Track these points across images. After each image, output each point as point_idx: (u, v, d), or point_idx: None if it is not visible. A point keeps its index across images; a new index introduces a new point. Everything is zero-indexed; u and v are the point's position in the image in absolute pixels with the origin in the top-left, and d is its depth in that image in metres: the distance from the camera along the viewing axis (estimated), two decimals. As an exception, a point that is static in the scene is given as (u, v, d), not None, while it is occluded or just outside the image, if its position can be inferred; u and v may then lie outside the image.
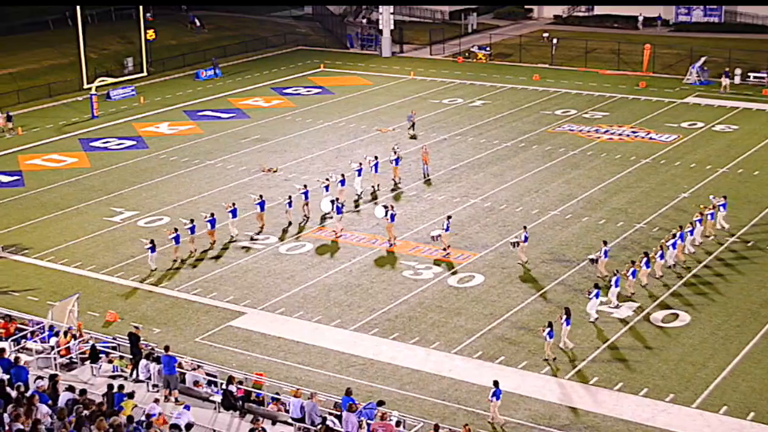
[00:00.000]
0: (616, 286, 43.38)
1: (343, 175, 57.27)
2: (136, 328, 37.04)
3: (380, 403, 32.21)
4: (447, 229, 49.68)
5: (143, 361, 35.42)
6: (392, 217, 50.75)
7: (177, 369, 34.36)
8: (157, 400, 31.16)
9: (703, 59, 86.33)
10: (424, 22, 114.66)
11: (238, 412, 32.63)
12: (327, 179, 56.18)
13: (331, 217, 53.54)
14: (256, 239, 52.06)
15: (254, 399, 33.81)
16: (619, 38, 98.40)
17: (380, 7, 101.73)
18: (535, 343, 40.27)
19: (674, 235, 47.46)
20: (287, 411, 32.61)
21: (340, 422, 30.74)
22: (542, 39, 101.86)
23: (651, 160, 63.70)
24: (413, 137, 69.28)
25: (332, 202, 53.09)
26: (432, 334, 41.50)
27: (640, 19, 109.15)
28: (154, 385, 34.68)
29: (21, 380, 30.79)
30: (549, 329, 38.84)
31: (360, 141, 69.83)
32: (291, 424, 31.90)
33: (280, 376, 37.98)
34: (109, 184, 61.84)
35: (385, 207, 52.01)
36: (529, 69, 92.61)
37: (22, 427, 25.94)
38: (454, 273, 47.13)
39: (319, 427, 30.65)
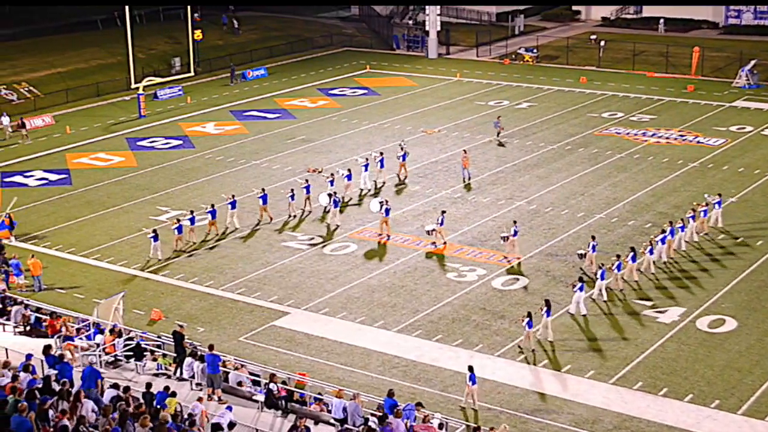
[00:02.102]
0: (602, 279, 44.06)
1: (349, 170, 58.59)
2: (181, 326, 37.20)
3: (418, 405, 32.16)
4: (441, 223, 50.73)
5: (187, 360, 35.57)
6: (387, 211, 52.06)
7: (221, 368, 34.47)
8: (200, 399, 31.23)
9: (752, 62, 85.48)
10: (470, 23, 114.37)
11: (280, 412, 32.66)
12: (332, 174, 57.69)
13: (328, 210, 54.57)
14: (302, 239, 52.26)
15: (297, 399, 33.85)
16: (668, 41, 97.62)
17: (427, 8, 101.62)
18: (579, 347, 40.05)
19: (663, 231, 48.25)
20: (329, 411, 32.62)
21: (382, 424, 30.65)
22: (590, 41, 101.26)
23: (698, 164, 63.12)
24: (501, 144, 68.52)
25: (329, 195, 54.35)
26: (475, 336, 41.36)
27: (661, 21, 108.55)
28: (198, 384, 34.81)
29: (66, 377, 31.01)
30: (528, 319, 39.62)
31: (405, 142, 69.69)
32: (333, 425, 31.89)
33: (322, 377, 38.00)
34: (155, 183, 62.24)
35: (380, 201, 53.04)
36: (576, 71, 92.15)
37: (66, 423, 26.11)
38: (504, 274, 47.00)
39: (361, 428, 30.61)
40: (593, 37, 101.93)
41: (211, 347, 34.74)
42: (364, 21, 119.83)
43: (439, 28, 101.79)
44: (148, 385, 31.37)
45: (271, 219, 54.73)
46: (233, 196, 54.58)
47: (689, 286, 45.36)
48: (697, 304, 43.61)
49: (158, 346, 38.15)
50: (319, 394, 34.85)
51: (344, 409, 31.58)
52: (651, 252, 46.92)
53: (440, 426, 31.96)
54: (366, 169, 59.44)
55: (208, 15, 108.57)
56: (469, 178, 60.75)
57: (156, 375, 35.82)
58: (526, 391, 36.96)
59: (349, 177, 57.99)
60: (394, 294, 45.67)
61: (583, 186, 59.47)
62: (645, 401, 36.21)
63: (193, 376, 35.08)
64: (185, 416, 29.16)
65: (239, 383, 35.20)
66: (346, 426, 31.36)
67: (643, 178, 60.66)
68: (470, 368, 35.75)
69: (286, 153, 67.75)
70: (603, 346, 40.11)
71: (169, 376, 35.67)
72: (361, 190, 59.37)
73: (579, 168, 62.99)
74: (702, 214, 51.05)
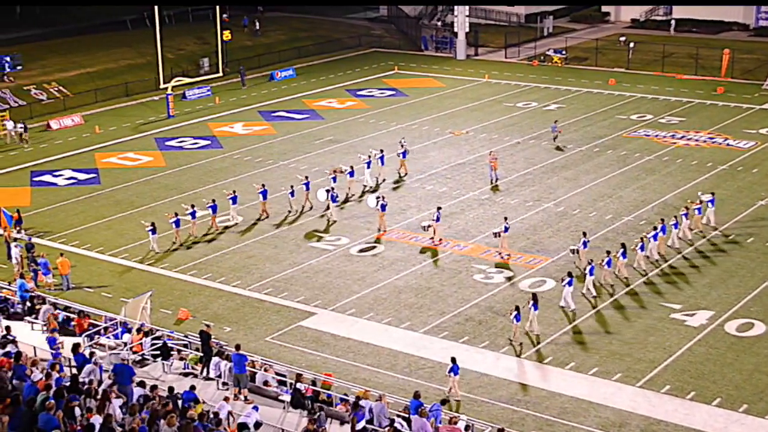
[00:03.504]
0: (591, 274, 44.63)
1: (352, 167, 59.46)
2: (207, 326, 37.29)
3: (443, 402, 32.12)
4: (437, 220, 51.57)
5: (214, 359, 35.65)
6: (383, 206, 52.98)
7: (247, 368, 34.53)
8: (226, 399, 31.29)
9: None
10: (499, 24, 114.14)
11: (306, 411, 32.66)
12: (335, 170, 58.66)
13: (328, 207, 55.39)
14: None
15: (323, 399, 33.86)
16: (698, 42, 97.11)
17: (456, 9, 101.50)
18: (607, 350, 39.89)
19: (655, 228, 48.75)
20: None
21: (408, 425, 30.61)
22: (619, 43, 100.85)
23: (728, 167, 62.73)
24: (559, 148, 67.84)
25: (327, 191, 55.17)
26: (502, 338, 41.24)
27: (672, 23, 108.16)
28: (224, 383, 34.88)
29: (93, 376, 31.18)
30: (516, 313, 40.12)
31: (433, 143, 69.69)
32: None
33: (348, 377, 38.01)
34: (183, 183, 62.44)
35: (377, 197, 54.07)
36: (605, 73, 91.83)
37: (93, 421, 26.21)
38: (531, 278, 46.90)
39: (386, 429, 30.56)
40: (623, 38, 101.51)
41: (237, 347, 34.81)
42: (393, 22, 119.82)
43: (467, 30, 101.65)
44: (171, 389, 31.46)
45: (268, 215, 55.81)
46: (234, 192, 55.71)
47: (717, 289, 45.16)
48: (725, 307, 43.35)
49: (185, 346, 38.26)
50: (345, 394, 34.86)
51: (370, 410, 31.56)
52: (642, 248, 47.41)
53: (466, 428, 31.89)
54: (368, 167, 60.56)
55: (237, 16, 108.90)
56: (497, 180, 60.61)
57: (183, 374, 35.91)
58: (552, 394, 36.84)
59: (351, 174, 59.04)
60: (421, 295, 45.62)
61: (611, 188, 59.23)
62: (672, 405, 36.01)
63: (219, 376, 35.17)
64: (211, 416, 29.20)
65: (265, 383, 35.25)
66: (371, 427, 31.31)
67: (671, 180, 60.36)
68: (453, 360, 36.34)
69: (314, 153, 67.82)
70: (630, 350, 39.93)
71: (195, 376, 35.76)
72: (364, 186, 60.32)
73: (607, 170, 62.73)
74: (696, 211, 51.69)
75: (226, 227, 54.48)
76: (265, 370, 36.23)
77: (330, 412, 32.77)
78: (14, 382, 28.65)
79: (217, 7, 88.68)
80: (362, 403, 31.84)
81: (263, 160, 66.59)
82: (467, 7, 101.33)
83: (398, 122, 76.02)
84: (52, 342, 35.49)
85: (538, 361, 39.34)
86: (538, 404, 36.28)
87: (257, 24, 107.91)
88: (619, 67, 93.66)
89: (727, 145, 67.71)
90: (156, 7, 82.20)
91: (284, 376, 36.02)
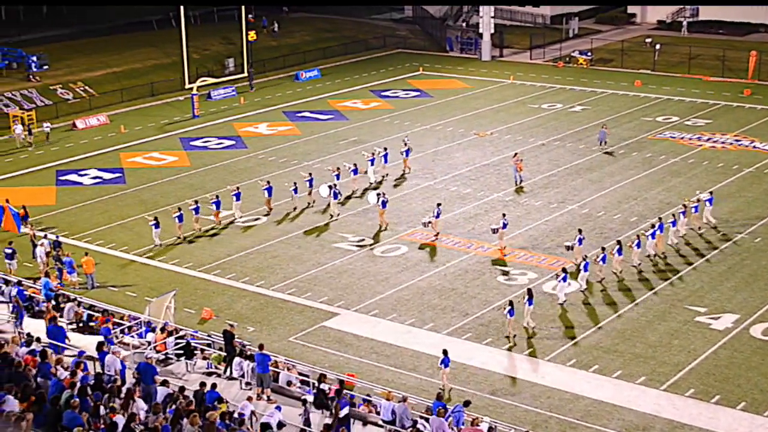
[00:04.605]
0: (585, 270, 45.37)
1: (355, 165, 60.46)
2: (231, 325, 37.30)
3: (466, 404, 32.05)
4: (437, 216, 52.37)
5: (237, 359, 35.69)
6: (384, 203, 53.81)
7: (270, 368, 34.55)
8: (249, 398, 31.32)
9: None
10: (524, 26, 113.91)
11: (329, 412, 32.64)
12: (338, 168, 59.33)
13: (329, 205, 56.22)
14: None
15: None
16: (724, 44, 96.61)
17: (481, 10, 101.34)
18: (631, 353, 39.73)
19: (653, 226, 49.19)
20: (378, 413, 32.59)
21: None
22: (645, 44, 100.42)
23: (754, 169, 62.39)
24: (609, 153, 67.08)
25: (330, 187, 55.96)
26: (525, 340, 41.14)
27: (684, 24, 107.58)
28: (247, 383, 34.92)
29: (114, 367, 31.36)
30: (510, 308, 40.59)
31: (457, 145, 69.62)
32: (381, 426, 31.85)
33: (371, 378, 38.00)
34: (208, 183, 62.57)
35: (378, 193, 54.75)
36: (630, 74, 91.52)
37: (117, 420, 26.26)
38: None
39: (409, 430, 30.54)
40: (648, 40, 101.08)
41: (261, 347, 34.82)
42: (418, 23, 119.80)
43: (492, 31, 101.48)
44: (202, 385, 31.52)
45: (271, 210, 56.81)
46: (238, 188, 56.53)
47: (743, 292, 44.92)
48: (751, 311, 43.10)
49: (208, 345, 38.34)
50: (368, 395, 34.85)
51: (393, 411, 31.53)
52: (638, 245, 47.74)
53: (489, 429, 31.83)
54: (372, 164, 61.27)
55: (259, 16, 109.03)
56: (521, 181, 60.44)
57: (206, 374, 35.97)
58: (575, 396, 36.73)
59: (355, 171, 60.00)
60: (445, 296, 45.56)
61: (636, 190, 59.00)
62: (697, 408, 35.82)
63: (243, 376, 35.20)
64: (234, 416, 29.23)
65: (288, 383, 35.27)
66: (394, 428, 31.28)
67: (697, 183, 60.05)
68: (444, 352, 36.91)
69: (338, 154, 67.83)
70: (655, 353, 39.76)
71: (219, 375, 35.82)
72: (370, 183, 60.96)
73: (632, 172, 62.49)
74: (693, 210, 52.18)
75: (229, 223, 55.33)
76: (288, 370, 36.26)
77: (352, 413, 32.76)
78: (39, 380, 28.76)
79: (243, 7, 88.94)
80: (385, 404, 31.85)
81: (287, 161, 66.66)
82: (492, 8, 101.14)
83: (423, 123, 75.97)
84: (56, 331, 35.38)
85: (561, 364, 39.21)
86: (562, 407, 36.16)
87: (276, 25, 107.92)
88: (645, 69, 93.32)
89: (754, 147, 67.32)
90: (182, 8, 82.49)
91: (307, 376, 36.03)
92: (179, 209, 53.37)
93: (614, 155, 66.35)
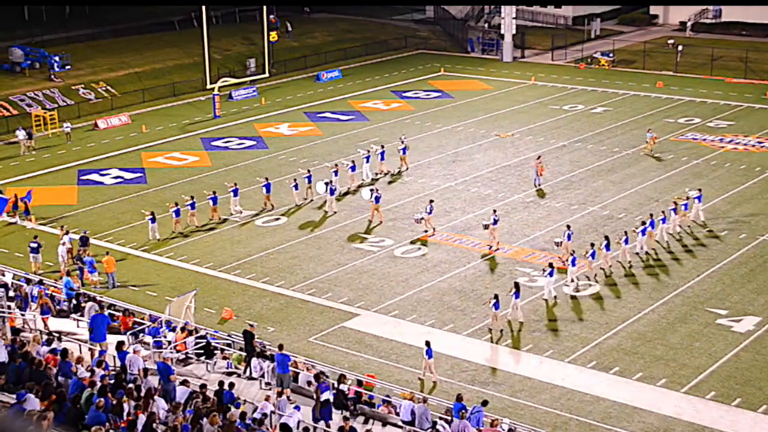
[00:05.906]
0: (573, 265, 45.87)
1: (353, 161, 61.37)
2: (251, 326, 37.34)
3: (484, 403, 31.98)
4: (430, 212, 53.08)
5: (254, 360, 35.71)
6: (377, 198, 54.87)
7: (290, 368, 34.56)
8: (268, 398, 31.32)
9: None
10: (546, 27, 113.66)
11: (348, 412, 32.63)
12: (336, 165, 60.39)
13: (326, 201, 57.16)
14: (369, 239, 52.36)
15: (365, 400, 33.84)
16: (747, 46, 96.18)
17: (502, 11, 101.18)
18: (652, 355, 39.57)
19: (644, 223, 49.78)
20: (398, 414, 32.55)
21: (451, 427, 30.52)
22: (667, 46, 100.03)
23: (777, 171, 62.18)
24: (655, 158, 66.14)
25: (326, 184, 57.08)
26: (545, 342, 41.06)
27: (689, 24, 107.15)
28: (267, 383, 34.94)
29: (135, 367, 31.40)
30: (495, 301, 41.07)
31: (478, 146, 69.53)
32: (401, 427, 31.81)
33: (391, 379, 37.98)
34: (228, 182, 62.57)
35: (371, 189, 55.71)
36: (652, 76, 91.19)
37: (137, 419, 26.31)
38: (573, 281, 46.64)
39: (429, 431, 30.49)
40: (671, 41, 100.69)
41: (280, 347, 34.85)
42: (439, 24, 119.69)
43: (514, 32, 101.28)
44: (221, 384, 31.56)
45: (273, 206, 57.67)
46: (235, 184, 57.41)
47: (764, 295, 44.71)
48: (773, 313, 42.94)
49: (228, 345, 38.39)
50: (387, 396, 34.82)
51: (412, 412, 31.50)
52: (626, 242, 48.33)
53: (509, 431, 31.75)
54: (368, 161, 62.26)
55: (284, 17, 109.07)
56: (540, 185, 60.13)
57: (227, 374, 36.01)
58: (596, 398, 36.63)
59: (353, 168, 60.75)
60: (465, 298, 45.51)
61: (657, 192, 58.78)
62: (718, 411, 35.66)
63: (262, 376, 35.23)
64: (254, 415, 29.25)
65: (308, 383, 35.27)
66: (413, 428, 31.23)
67: (719, 184, 59.80)
68: (427, 343, 37.77)
69: (359, 155, 67.77)
70: (675, 355, 39.60)
71: (239, 375, 35.85)
72: (363, 180, 61.71)
73: (654, 174, 62.26)
74: (683, 207, 52.82)
75: (227, 218, 56.10)
76: (308, 371, 36.26)
77: (371, 413, 32.75)
78: (60, 378, 28.85)
79: (264, 8, 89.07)
80: (405, 404, 31.82)
81: (308, 161, 66.67)
82: (514, 9, 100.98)
83: (443, 124, 75.91)
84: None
85: (582, 366, 39.10)
86: (582, 408, 36.06)
87: (288, 26, 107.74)
88: (667, 70, 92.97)
89: (776, 149, 67.05)
90: (203, 8, 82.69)
91: (327, 376, 35.99)
92: (176, 204, 54.58)
93: (661, 160, 65.60)
